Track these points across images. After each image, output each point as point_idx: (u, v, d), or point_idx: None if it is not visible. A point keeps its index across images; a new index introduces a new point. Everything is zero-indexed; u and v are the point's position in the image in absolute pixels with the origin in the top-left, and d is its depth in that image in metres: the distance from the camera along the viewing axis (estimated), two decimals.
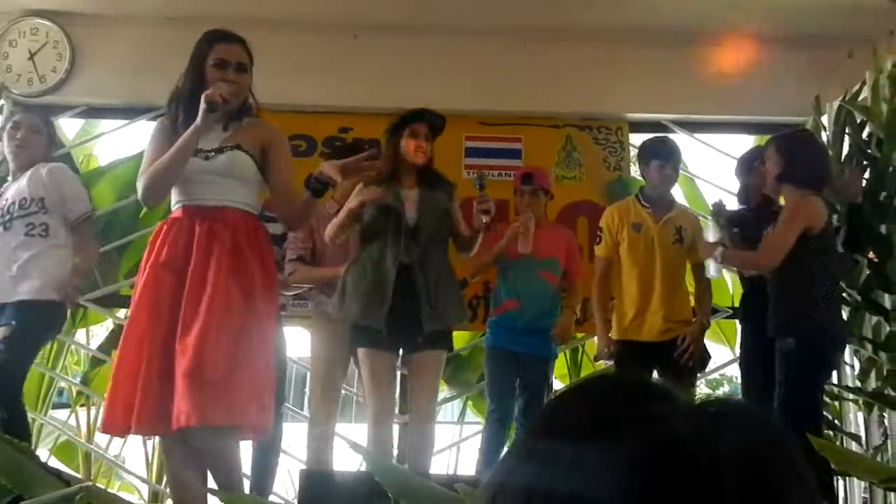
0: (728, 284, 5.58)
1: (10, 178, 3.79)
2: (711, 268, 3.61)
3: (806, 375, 3.35)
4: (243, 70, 2.78)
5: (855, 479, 4.24)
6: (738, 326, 4.67)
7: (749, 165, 4.11)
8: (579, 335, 5.22)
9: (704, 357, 4.00)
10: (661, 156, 4.03)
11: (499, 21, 4.92)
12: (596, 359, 4.24)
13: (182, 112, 2.74)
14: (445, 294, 3.40)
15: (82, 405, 5.73)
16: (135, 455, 5.73)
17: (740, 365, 4.20)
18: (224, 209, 2.68)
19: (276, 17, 4.87)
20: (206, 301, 2.52)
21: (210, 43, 2.80)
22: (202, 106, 2.61)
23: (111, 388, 2.55)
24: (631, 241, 3.98)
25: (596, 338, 4.20)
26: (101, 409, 2.63)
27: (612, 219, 4.07)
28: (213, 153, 2.70)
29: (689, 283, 4.12)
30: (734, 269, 4.17)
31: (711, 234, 3.59)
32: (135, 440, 5.56)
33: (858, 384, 4.49)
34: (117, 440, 5.66)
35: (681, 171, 5.68)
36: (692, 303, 4.10)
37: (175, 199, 2.75)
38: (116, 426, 2.55)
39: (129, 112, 5.21)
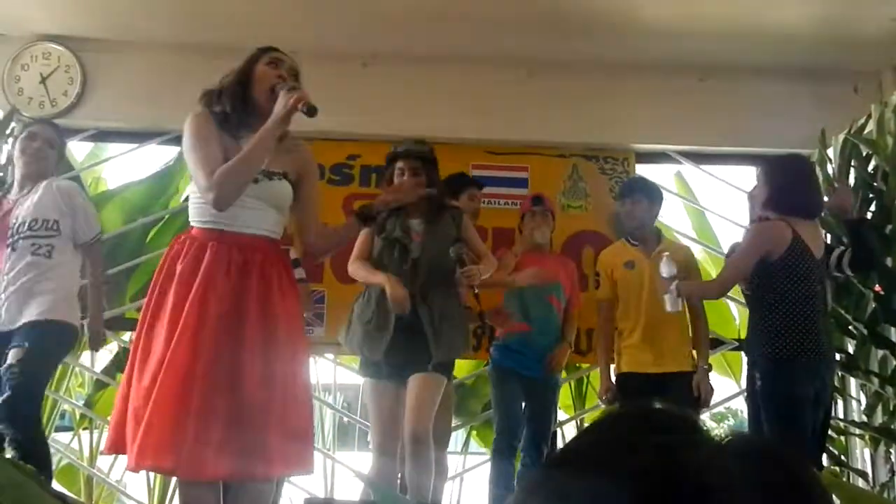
0: (735, 316, 5.56)
1: (15, 188, 3.72)
2: (668, 302, 3.60)
3: (774, 411, 3.32)
4: (297, 77, 2.68)
5: None
6: (744, 358, 4.65)
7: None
8: (584, 365, 5.21)
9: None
10: (625, 192, 4.21)
11: (506, 51, 4.97)
12: (601, 397, 4.27)
13: (235, 107, 2.61)
14: (451, 325, 3.37)
15: (85, 428, 5.70)
16: (136, 480, 5.70)
17: (746, 398, 4.18)
18: (263, 238, 2.56)
19: (286, 46, 4.85)
20: (270, 347, 2.44)
21: (262, 51, 2.73)
22: (285, 103, 2.49)
23: (149, 420, 2.31)
24: (625, 278, 4.07)
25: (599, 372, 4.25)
26: (136, 442, 2.31)
27: (606, 261, 4.19)
28: (261, 177, 2.53)
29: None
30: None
31: (666, 270, 3.59)
32: None
33: (865, 419, 4.46)
34: (119, 464, 5.65)
35: (690, 204, 5.72)
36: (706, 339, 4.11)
37: (210, 219, 2.53)
38: (149, 464, 2.38)
39: (139, 136, 5.26)
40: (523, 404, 4.04)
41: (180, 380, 2.34)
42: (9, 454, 3.15)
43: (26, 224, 3.54)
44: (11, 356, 3.33)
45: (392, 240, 3.39)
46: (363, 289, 3.50)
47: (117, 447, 2.45)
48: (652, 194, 4.19)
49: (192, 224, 2.60)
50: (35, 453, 3.19)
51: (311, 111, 2.49)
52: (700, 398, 3.90)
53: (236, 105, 2.61)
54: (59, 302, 3.50)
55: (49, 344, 3.44)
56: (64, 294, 3.56)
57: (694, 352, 4.05)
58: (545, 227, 4.18)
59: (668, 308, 3.60)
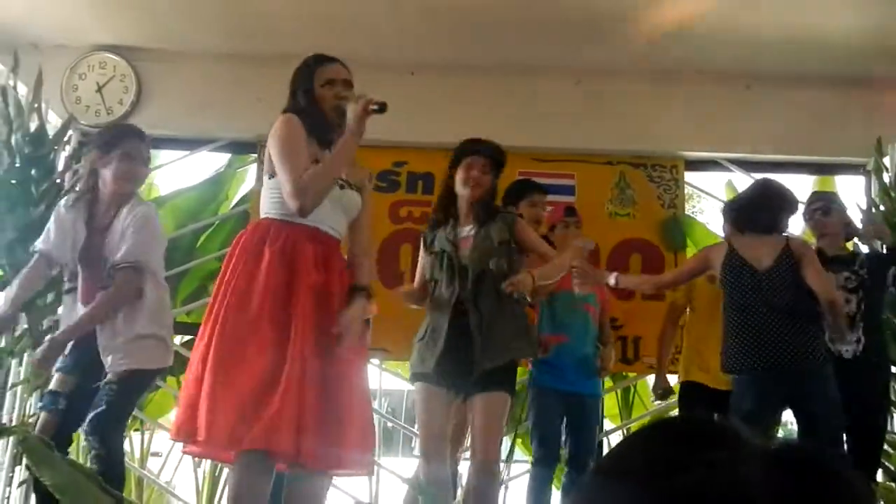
0: None
1: (103, 206, 3.41)
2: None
3: None
4: (350, 85, 2.80)
5: None
6: None
7: (805, 210, 4.10)
8: (631, 374, 5.16)
9: None
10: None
11: (554, 59, 4.96)
12: (653, 392, 4.30)
13: (315, 127, 2.73)
14: (502, 329, 3.28)
15: (136, 430, 5.81)
16: (185, 481, 5.79)
17: None
18: (337, 240, 2.74)
19: (334, 54, 4.96)
20: (353, 349, 2.58)
21: (315, 65, 2.83)
22: (354, 113, 2.62)
23: (281, 404, 2.40)
24: (704, 290, 4.07)
25: (652, 377, 4.25)
26: (264, 425, 2.38)
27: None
28: (345, 185, 2.72)
29: None
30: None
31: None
32: (186, 467, 5.63)
33: None
34: (169, 466, 5.75)
35: None
36: None
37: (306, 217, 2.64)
38: (285, 440, 2.39)
39: (191, 143, 5.36)
40: (564, 419, 3.99)
41: (301, 372, 2.45)
42: (92, 466, 3.16)
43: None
44: (111, 375, 3.25)
45: (439, 252, 3.37)
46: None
47: (189, 433, 2.47)
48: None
49: (270, 215, 2.69)
50: (115, 471, 3.19)
51: (381, 108, 2.63)
52: None
53: (316, 124, 2.72)
54: (155, 348, 3.38)
55: (145, 382, 3.47)
56: (159, 336, 3.41)
57: None
58: (570, 236, 4.08)
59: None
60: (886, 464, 4.26)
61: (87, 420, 3.22)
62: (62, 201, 3.55)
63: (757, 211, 3.65)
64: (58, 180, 4.66)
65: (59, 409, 3.29)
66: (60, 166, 4.74)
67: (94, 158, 3.45)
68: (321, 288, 2.57)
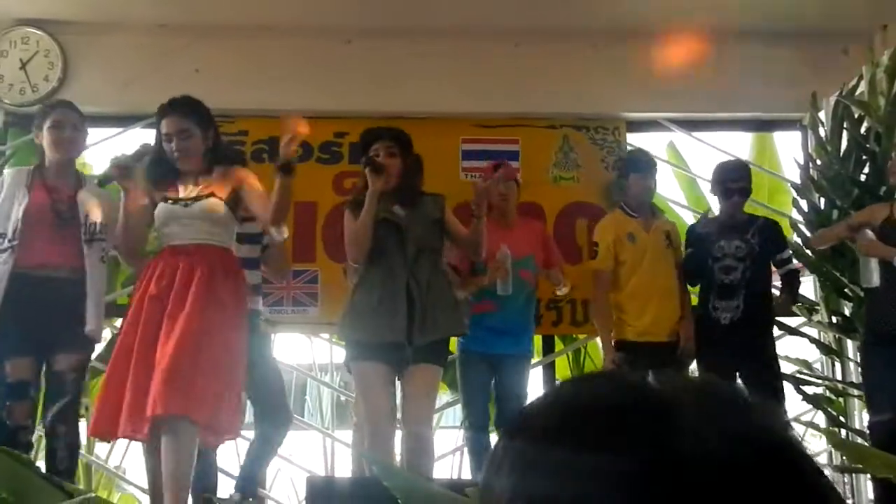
0: None
1: (52, 172, 3.58)
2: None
3: None
4: (187, 136, 3.20)
5: (862, 477, 4.20)
6: None
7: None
8: (580, 336, 5.20)
9: None
10: (640, 168, 4.19)
11: (493, 23, 4.90)
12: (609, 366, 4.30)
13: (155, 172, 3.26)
14: (437, 305, 3.39)
15: (81, 416, 5.68)
16: (135, 466, 5.69)
17: None
18: (201, 245, 3.15)
19: (269, 24, 4.85)
20: (183, 320, 2.97)
21: (159, 117, 3.26)
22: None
23: (102, 395, 3.03)
24: (628, 251, 4.06)
25: (600, 345, 4.28)
26: (91, 415, 3.07)
27: (606, 233, 4.13)
28: (190, 202, 3.18)
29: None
30: None
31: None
32: (135, 450, 5.52)
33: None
34: (117, 451, 5.63)
35: (683, 172, 5.70)
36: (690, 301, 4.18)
37: (162, 241, 3.25)
38: (105, 430, 3.04)
39: (123, 120, 5.18)
40: (493, 383, 4.04)
41: (123, 359, 3.05)
42: (62, 455, 3.41)
43: (96, 226, 3.50)
44: (69, 361, 3.44)
45: (384, 221, 3.41)
46: (358, 280, 3.50)
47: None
48: (655, 167, 4.27)
49: None
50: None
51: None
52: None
53: (156, 173, 3.30)
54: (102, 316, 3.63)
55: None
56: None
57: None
58: (509, 195, 4.10)
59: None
60: (829, 409, 4.40)
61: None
62: (4, 171, 3.81)
63: None
64: None
65: (30, 396, 3.41)
66: None
67: (35, 137, 3.66)
68: (158, 292, 3.05)
